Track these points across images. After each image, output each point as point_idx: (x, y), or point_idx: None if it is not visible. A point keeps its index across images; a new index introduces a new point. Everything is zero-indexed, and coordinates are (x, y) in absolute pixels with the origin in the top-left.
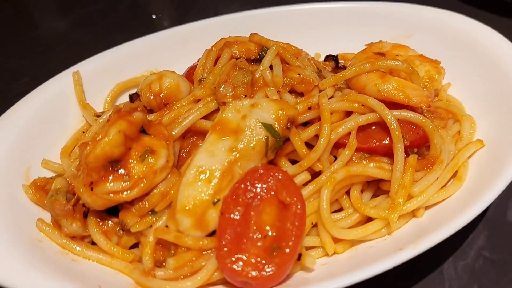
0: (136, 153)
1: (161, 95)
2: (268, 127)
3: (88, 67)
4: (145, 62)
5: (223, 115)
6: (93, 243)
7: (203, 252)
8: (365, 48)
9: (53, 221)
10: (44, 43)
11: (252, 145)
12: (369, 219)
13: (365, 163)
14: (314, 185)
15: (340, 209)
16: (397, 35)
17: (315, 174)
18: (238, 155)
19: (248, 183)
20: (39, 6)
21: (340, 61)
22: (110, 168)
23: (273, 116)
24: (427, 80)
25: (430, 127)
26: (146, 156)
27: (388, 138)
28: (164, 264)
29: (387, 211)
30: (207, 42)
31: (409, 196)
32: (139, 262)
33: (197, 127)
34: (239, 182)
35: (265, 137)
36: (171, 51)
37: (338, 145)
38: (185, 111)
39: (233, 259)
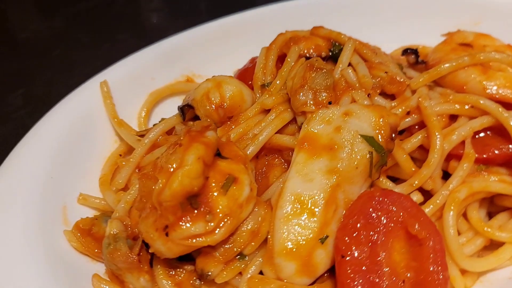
0: (215, 183)
1: (224, 106)
2: (370, 140)
3: (112, 75)
4: (179, 65)
5: (310, 129)
6: None
7: None
8: (445, 39)
9: (110, 275)
10: (34, 47)
11: (355, 164)
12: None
13: (483, 176)
14: (431, 207)
15: None
16: (463, 22)
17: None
18: (339, 177)
19: (368, 214)
20: (19, 5)
21: None
22: (189, 206)
23: (373, 125)
24: None
25: None
26: (229, 185)
27: (509, 146)
28: None
29: None
30: (248, 38)
31: None
32: None
33: (272, 143)
34: (352, 213)
35: (369, 153)
36: (206, 50)
37: (448, 157)
38: (254, 124)
39: None
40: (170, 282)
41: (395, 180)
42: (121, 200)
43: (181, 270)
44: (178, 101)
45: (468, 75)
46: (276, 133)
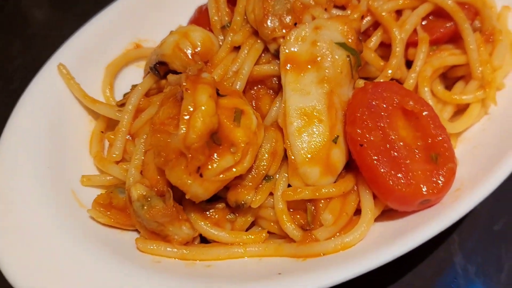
0: (226, 119)
1: (197, 51)
2: (344, 46)
3: (64, 57)
4: (124, 34)
5: (288, 51)
6: (203, 241)
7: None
8: None
9: (149, 235)
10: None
11: (339, 69)
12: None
13: (438, 54)
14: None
15: None
16: None
17: None
18: (330, 83)
19: (369, 104)
20: None
21: None
22: (214, 144)
23: (341, 33)
24: None
25: (480, 2)
26: (239, 118)
27: (450, 23)
28: (308, 225)
29: (480, 92)
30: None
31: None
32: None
33: (254, 75)
34: (354, 109)
35: (347, 56)
36: (147, 13)
37: (406, 46)
38: (231, 62)
39: (403, 181)
40: (208, 223)
41: (366, 79)
42: (129, 167)
43: (214, 210)
44: (135, 69)
45: None
46: (254, 65)
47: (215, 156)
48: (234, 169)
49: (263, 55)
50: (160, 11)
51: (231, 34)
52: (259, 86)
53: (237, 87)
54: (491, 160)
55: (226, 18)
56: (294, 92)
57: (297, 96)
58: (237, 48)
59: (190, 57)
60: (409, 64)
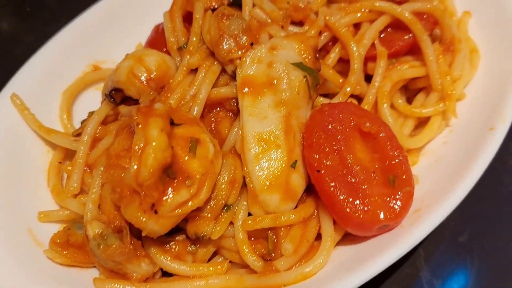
0: (181, 150)
1: (152, 76)
2: (301, 66)
3: (18, 86)
4: (81, 56)
5: (245, 73)
6: (165, 275)
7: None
8: None
9: (108, 274)
10: None
11: (296, 90)
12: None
13: (397, 67)
14: (365, 107)
15: None
16: None
17: None
18: (288, 106)
19: (325, 127)
20: None
21: None
22: (168, 178)
23: (298, 52)
24: None
25: (440, 10)
26: (195, 147)
27: (409, 35)
28: (268, 255)
29: (440, 105)
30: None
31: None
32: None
33: (212, 98)
34: (311, 132)
35: (304, 76)
36: (103, 33)
37: (364, 61)
38: (188, 85)
39: (360, 208)
40: (169, 257)
41: (326, 96)
42: (86, 202)
43: (174, 243)
44: (93, 92)
45: None
46: (212, 88)
47: (170, 191)
48: (190, 203)
49: (221, 76)
50: (118, 30)
51: (188, 57)
52: (218, 109)
53: (194, 112)
54: (451, 176)
55: (183, 39)
56: (251, 117)
57: (254, 121)
58: (194, 71)
59: (145, 83)
60: (368, 78)
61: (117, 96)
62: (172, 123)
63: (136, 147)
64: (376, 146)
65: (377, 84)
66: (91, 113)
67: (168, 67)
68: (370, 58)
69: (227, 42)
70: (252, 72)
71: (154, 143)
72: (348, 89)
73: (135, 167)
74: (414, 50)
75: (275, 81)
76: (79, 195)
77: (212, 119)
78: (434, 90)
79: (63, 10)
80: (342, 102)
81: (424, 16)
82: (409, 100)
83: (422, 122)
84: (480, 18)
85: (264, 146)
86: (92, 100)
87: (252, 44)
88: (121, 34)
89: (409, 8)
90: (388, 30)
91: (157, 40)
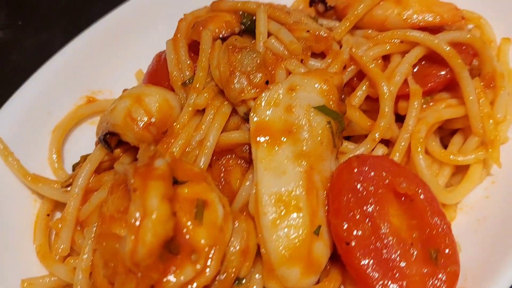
0: (185, 216)
1: (153, 121)
2: (324, 109)
3: (3, 120)
4: (73, 87)
5: (258, 118)
6: None
7: None
8: None
9: None
10: None
11: (318, 139)
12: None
13: (433, 107)
14: (397, 155)
15: None
16: None
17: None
18: (310, 159)
19: (355, 188)
20: None
21: None
22: (169, 254)
23: (321, 93)
24: None
25: (480, 41)
26: (202, 213)
27: (446, 69)
28: None
29: (482, 152)
30: (142, 33)
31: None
32: None
33: (221, 145)
34: (338, 193)
35: (327, 122)
36: (98, 60)
37: (395, 99)
38: (194, 129)
39: None
40: None
41: (349, 138)
42: (76, 269)
43: None
44: (89, 127)
45: (385, 10)
46: (221, 132)
47: (172, 270)
48: (196, 282)
49: (232, 118)
50: (116, 56)
51: (194, 95)
52: (229, 155)
53: (201, 163)
54: (498, 242)
55: (187, 73)
56: (267, 172)
57: (271, 177)
58: (201, 111)
59: (142, 128)
60: (400, 118)
61: (112, 141)
62: (175, 182)
63: (132, 219)
64: (413, 210)
65: (410, 128)
66: (83, 158)
67: (170, 107)
68: (402, 96)
69: (239, 80)
70: (267, 118)
71: (154, 215)
72: (377, 135)
73: (131, 244)
74: (451, 86)
75: (294, 129)
76: (69, 256)
77: (222, 168)
78: (475, 134)
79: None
80: (372, 156)
81: (463, 48)
82: (443, 141)
83: (459, 168)
84: None
85: (283, 209)
86: (86, 138)
87: (267, 82)
88: (120, 60)
89: (446, 38)
90: (422, 63)
91: (159, 72)
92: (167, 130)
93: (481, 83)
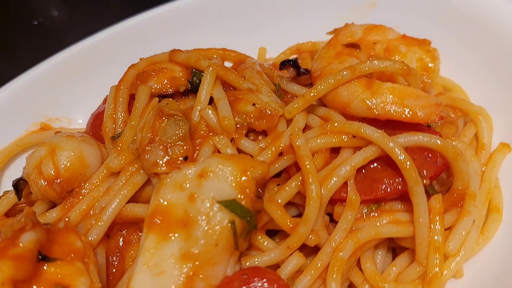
0: None
1: (58, 181)
2: (231, 205)
3: None
4: (27, 112)
5: (160, 200)
6: None
7: None
8: (330, 39)
9: None
10: None
11: (214, 240)
12: None
13: (374, 218)
14: (311, 272)
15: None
16: (359, 5)
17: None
18: (196, 262)
19: None
20: None
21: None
22: None
23: (234, 184)
24: (423, 73)
25: (452, 151)
26: None
27: (399, 179)
28: None
29: (419, 286)
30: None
31: (444, 256)
32: None
33: (123, 216)
34: None
35: (231, 222)
36: (58, 87)
37: (333, 200)
38: (102, 194)
39: None
40: None
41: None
42: None
43: None
44: None
45: (351, 92)
46: (130, 201)
47: None
48: None
49: (147, 188)
50: (82, 82)
51: (113, 156)
52: (133, 229)
53: (93, 236)
54: None
55: (120, 129)
56: (144, 267)
57: (146, 275)
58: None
59: (46, 186)
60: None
61: (25, 188)
62: (43, 258)
63: None
64: None
65: (334, 244)
66: (5, 193)
67: (83, 166)
68: (339, 200)
69: (154, 151)
70: (167, 202)
71: None
72: (294, 244)
73: None
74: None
75: (190, 223)
76: None
77: (121, 238)
78: (418, 263)
79: None
80: (263, 273)
81: (429, 156)
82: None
83: None
84: None
85: None
86: None
87: (186, 158)
88: (86, 89)
89: (408, 141)
90: (375, 164)
91: (101, 116)
92: (72, 189)
93: (439, 204)
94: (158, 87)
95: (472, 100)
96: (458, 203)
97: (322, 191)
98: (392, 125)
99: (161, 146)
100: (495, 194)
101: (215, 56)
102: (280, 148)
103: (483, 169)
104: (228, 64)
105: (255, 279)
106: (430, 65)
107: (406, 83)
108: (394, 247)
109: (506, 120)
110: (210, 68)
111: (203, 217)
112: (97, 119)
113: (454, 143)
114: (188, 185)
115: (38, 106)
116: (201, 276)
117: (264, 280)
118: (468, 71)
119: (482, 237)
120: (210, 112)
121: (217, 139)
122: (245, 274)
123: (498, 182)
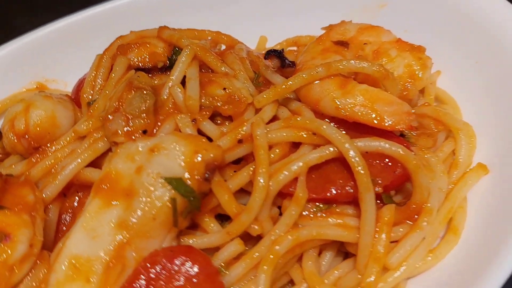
0: None
1: (27, 137)
2: (176, 183)
3: None
4: (28, 70)
5: (111, 167)
6: None
7: None
8: (321, 34)
9: None
10: None
11: (152, 214)
12: None
13: (321, 218)
14: (247, 261)
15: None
16: (366, 4)
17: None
18: (131, 232)
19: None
20: None
21: (293, 48)
22: None
23: (183, 164)
24: (409, 79)
25: (414, 162)
26: None
27: (353, 183)
28: None
29: None
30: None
31: (384, 268)
32: None
33: (81, 179)
34: (135, 277)
35: (172, 199)
36: (60, 51)
37: (283, 194)
38: (65, 155)
39: None
40: None
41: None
42: None
43: None
44: None
45: (323, 89)
46: (90, 165)
47: None
48: None
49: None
50: (77, 48)
51: (83, 120)
52: (89, 192)
53: (47, 192)
54: None
55: (97, 96)
56: (82, 229)
57: (82, 236)
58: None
59: (15, 140)
60: None
61: (0, 140)
62: None
63: None
64: None
65: (273, 237)
66: None
67: (53, 125)
68: (288, 194)
69: (116, 121)
70: (118, 170)
71: None
72: (234, 230)
73: None
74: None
75: (134, 194)
76: None
77: (77, 198)
78: (357, 270)
79: None
80: (187, 250)
81: (389, 164)
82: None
83: None
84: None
85: (72, 274)
86: None
87: (145, 131)
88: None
89: (368, 147)
90: (331, 164)
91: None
92: (39, 146)
93: (389, 215)
94: (137, 60)
95: (465, 116)
96: (413, 217)
97: (271, 183)
98: (362, 130)
99: (123, 117)
100: (458, 214)
101: (209, 38)
102: (239, 135)
103: (451, 187)
104: None
105: (180, 257)
106: (418, 73)
107: (384, 88)
108: (347, 252)
109: (494, 141)
110: (188, 47)
111: (145, 191)
112: (80, 85)
113: (426, 156)
114: (138, 158)
115: (38, 67)
116: (133, 246)
117: (188, 259)
118: (467, 86)
119: (432, 256)
120: (179, 90)
121: (179, 118)
122: (172, 250)
123: (466, 203)
